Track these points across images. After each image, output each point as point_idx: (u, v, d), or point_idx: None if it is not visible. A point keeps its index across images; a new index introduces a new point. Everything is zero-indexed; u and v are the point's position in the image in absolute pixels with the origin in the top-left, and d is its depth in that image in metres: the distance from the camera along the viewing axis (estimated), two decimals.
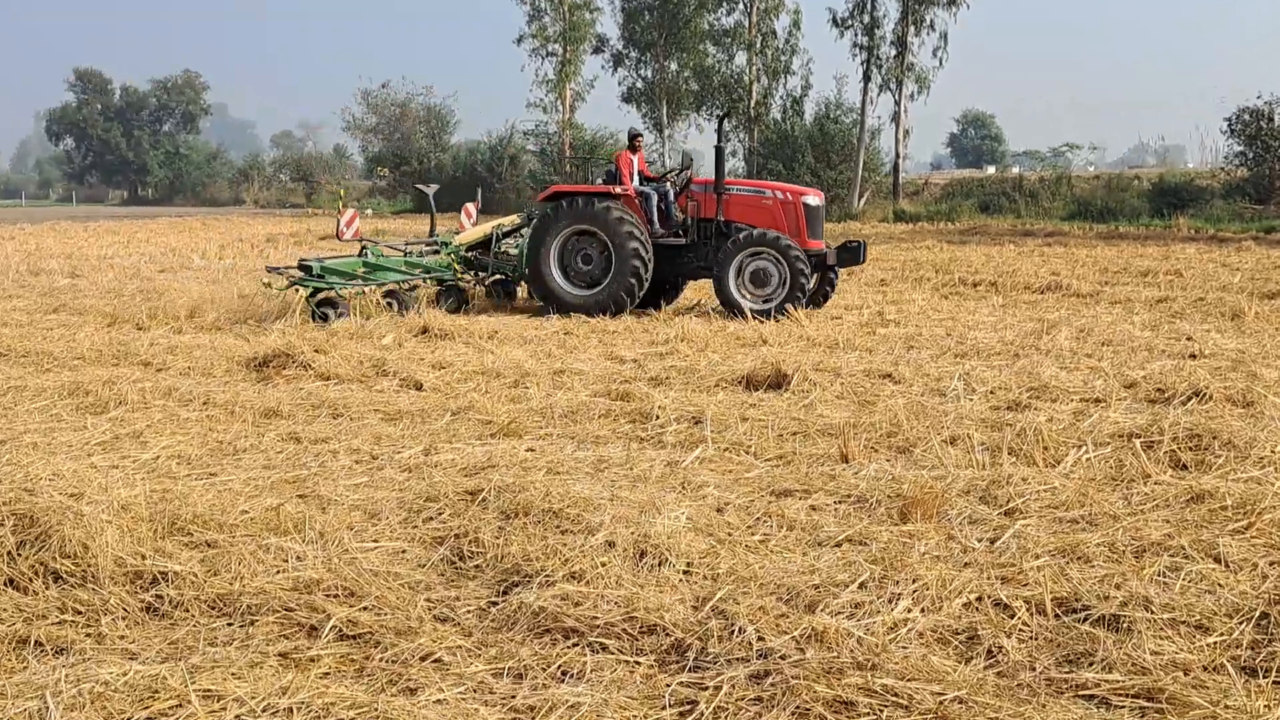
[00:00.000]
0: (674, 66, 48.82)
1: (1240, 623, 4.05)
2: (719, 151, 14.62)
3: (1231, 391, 8.13)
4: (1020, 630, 4.10)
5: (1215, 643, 3.93)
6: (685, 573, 4.69)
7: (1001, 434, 7.04)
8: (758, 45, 46.38)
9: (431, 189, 17.36)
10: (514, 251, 15.25)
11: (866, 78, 42.66)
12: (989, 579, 4.53)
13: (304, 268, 13.04)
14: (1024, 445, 6.72)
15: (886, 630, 4.06)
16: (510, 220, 16.15)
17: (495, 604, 4.45)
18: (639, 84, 49.97)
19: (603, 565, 4.64)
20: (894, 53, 42.40)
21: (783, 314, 13.31)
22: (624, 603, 4.30)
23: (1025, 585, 4.47)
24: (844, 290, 16.65)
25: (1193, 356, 10.14)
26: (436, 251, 15.04)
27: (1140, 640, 3.91)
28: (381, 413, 8.14)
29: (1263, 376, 8.93)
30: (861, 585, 4.47)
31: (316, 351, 9.95)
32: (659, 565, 4.72)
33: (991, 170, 61.91)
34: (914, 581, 4.44)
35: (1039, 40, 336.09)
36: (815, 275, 14.24)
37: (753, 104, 46.51)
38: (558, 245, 14.05)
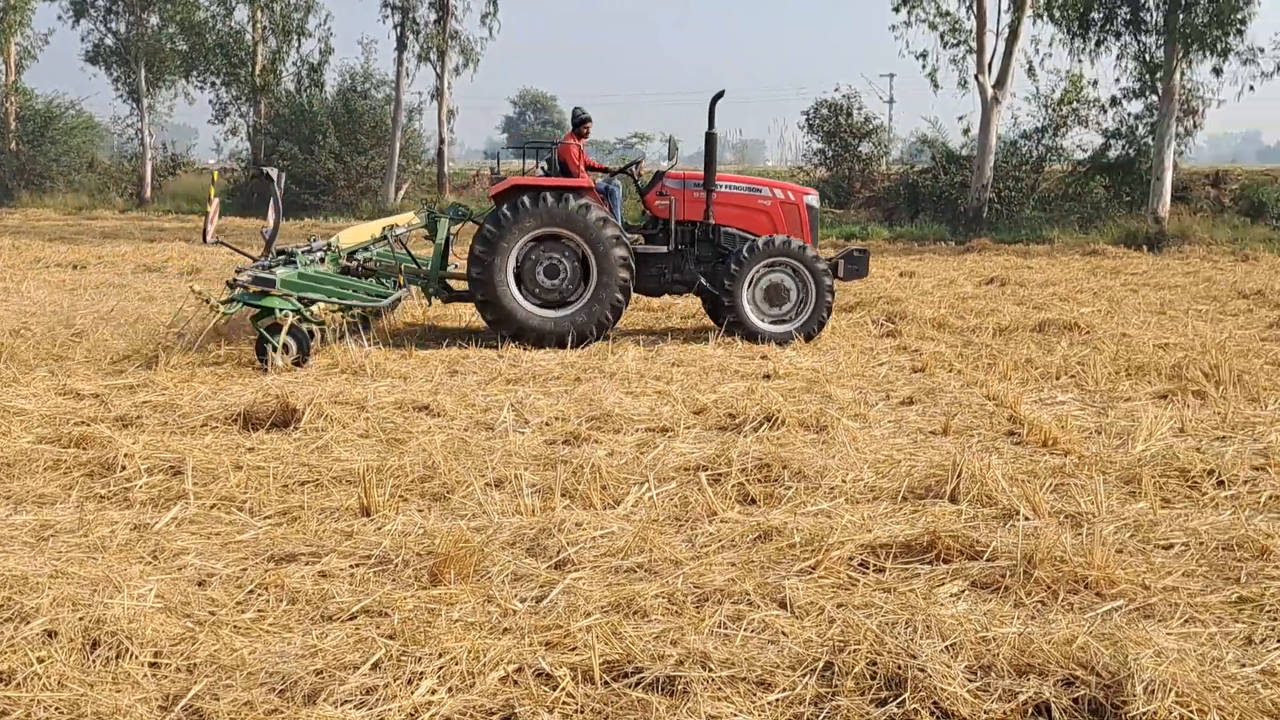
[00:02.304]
0: (155, 20, 46.74)
1: (803, 675, 4.44)
2: (710, 139, 14.28)
3: (805, 415, 8.96)
4: (564, 703, 4.26)
5: (777, 700, 4.29)
6: (152, 665, 4.55)
7: (555, 472, 7.32)
8: None
9: (279, 175, 15.04)
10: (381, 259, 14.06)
11: (402, 45, 43.00)
12: (531, 645, 4.68)
13: (264, 282, 11.52)
14: (580, 485, 7.03)
15: (404, 718, 4.09)
16: (406, 219, 14.94)
17: None
18: (109, 40, 47.41)
19: (40, 661, 4.43)
20: (434, 17, 43.07)
21: (811, 338, 13.62)
22: (68, 707, 4.14)
23: (573, 650, 4.66)
24: None
25: (767, 377, 11.07)
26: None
27: (696, 704, 4.20)
28: None
29: (837, 398, 9.92)
30: (376, 665, 4.48)
31: None
32: (117, 657, 4.55)
33: None
34: (441, 656, 4.50)
35: (611, 24, 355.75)
36: None
37: (257, 70, 45.50)
38: (515, 255, 13.29)
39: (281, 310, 11.55)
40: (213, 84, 46.84)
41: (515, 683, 4.41)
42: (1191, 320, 15.09)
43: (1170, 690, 4.09)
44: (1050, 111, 36.64)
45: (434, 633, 4.77)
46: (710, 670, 4.44)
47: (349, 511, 6.66)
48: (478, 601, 5.26)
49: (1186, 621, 5.11)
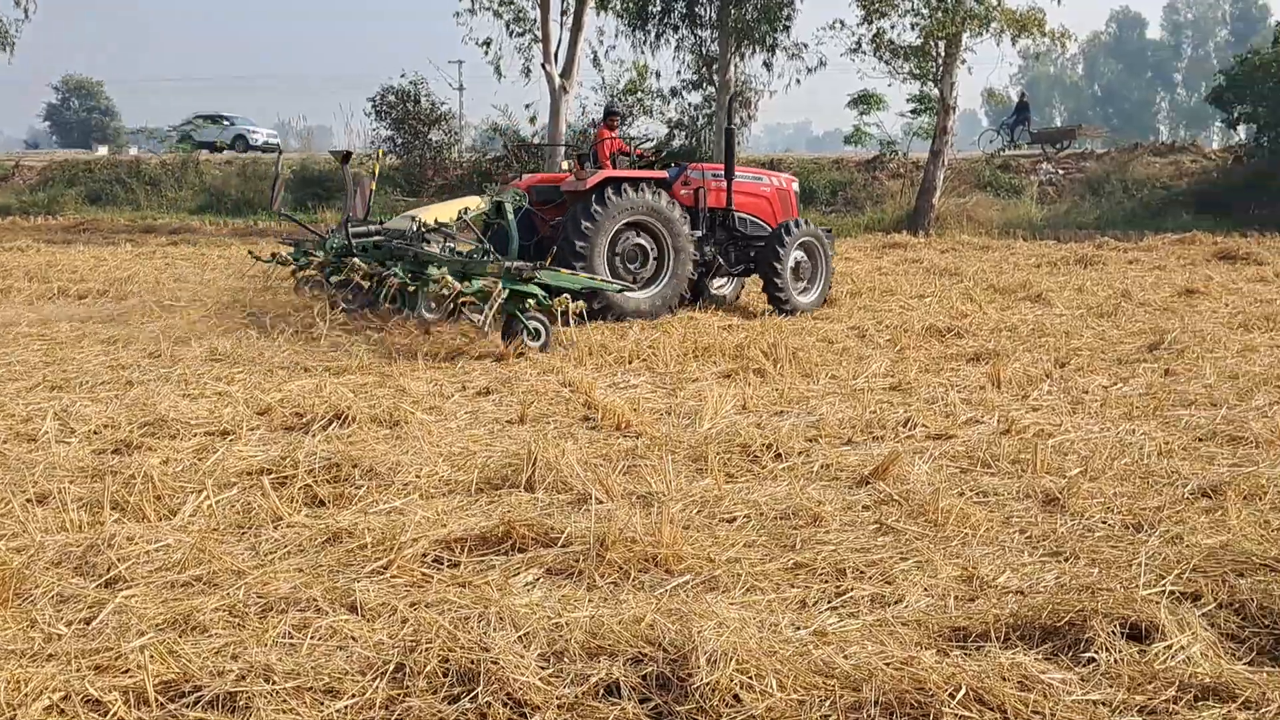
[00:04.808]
0: None
1: (374, 679, 4.37)
2: (729, 134, 16.46)
3: (377, 411, 8.87)
4: None
5: (345, 707, 4.21)
6: None
7: (104, 484, 6.92)
8: None
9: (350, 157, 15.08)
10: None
11: None
12: (79, 671, 4.40)
13: (524, 270, 12.24)
14: (132, 496, 6.66)
15: None
16: (475, 203, 14.70)
17: None
18: None
19: None
20: None
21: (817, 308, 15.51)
22: None
23: (125, 672, 4.40)
24: None
25: (338, 373, 10.85)
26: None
27: (258, 718, 4.06)
28: None
29: (411, 391, 9.88)
30: None
31: None
32: None
33: (104, 151, 61.00)
34: None
35: (163, 6, 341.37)
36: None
37: None
38: (608, 242, 14.35)
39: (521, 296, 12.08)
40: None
41: (62, 711, 4.13)
42: (752, 302, 16.03)
43: (731, 659, 4.30)
44: (617, 101, 37.88)
45: None
46: (274, 682, 4.30)
47: None
48: (19, 627, 4.90)
49: (747, 591, 5.40)
